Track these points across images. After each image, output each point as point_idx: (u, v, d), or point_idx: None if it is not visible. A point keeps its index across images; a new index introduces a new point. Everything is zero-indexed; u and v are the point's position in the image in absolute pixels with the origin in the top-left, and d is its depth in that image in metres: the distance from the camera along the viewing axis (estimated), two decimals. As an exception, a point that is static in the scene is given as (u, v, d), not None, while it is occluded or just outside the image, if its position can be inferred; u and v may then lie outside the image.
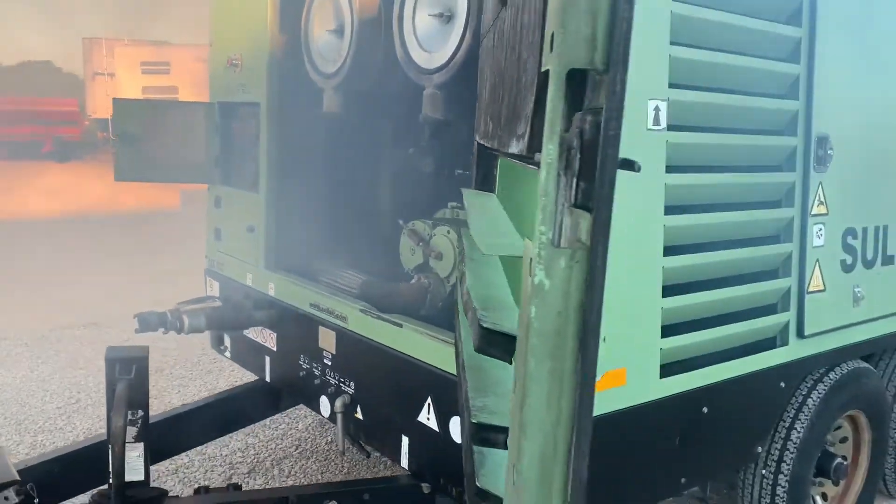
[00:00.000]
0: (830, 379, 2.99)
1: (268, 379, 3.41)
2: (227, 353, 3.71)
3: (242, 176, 3.47)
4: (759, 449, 2.84)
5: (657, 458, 2.43)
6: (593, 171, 0.87)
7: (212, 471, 3.70)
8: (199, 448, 3.66)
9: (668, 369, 2.33)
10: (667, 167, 2.23)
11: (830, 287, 2.83)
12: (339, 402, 2.89)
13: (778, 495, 2.89)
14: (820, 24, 2.63)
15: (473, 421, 1.29)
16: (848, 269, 2.92)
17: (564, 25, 0.90)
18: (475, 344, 1.25)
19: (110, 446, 2.15)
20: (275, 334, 3.31)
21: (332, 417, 2.92)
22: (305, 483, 3.50)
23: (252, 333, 3.44)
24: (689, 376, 2.39)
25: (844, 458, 3.29)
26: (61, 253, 9.13)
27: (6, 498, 2.15)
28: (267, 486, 3.43)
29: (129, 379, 2.19)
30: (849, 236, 2.91)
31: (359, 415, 2.88)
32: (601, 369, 2.13)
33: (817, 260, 2.76)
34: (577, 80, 0.94)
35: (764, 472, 2.91)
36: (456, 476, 2.43)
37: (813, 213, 2.73)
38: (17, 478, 2.23)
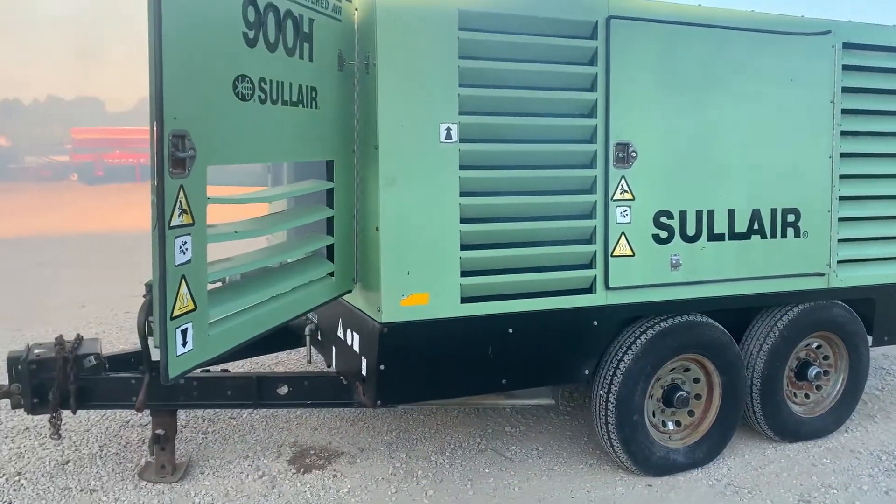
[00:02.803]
0: (660, 326, 3.96)
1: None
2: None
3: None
4: (587, 371, 3.90)
5: (476, 361, 3.62)
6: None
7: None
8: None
9: (468, 299, 3.53)
10: (461, 166, 3.46)
11: (640, 253, 3.84)
12: (308, 328, 4.37)
13: (609, 411, 3.91)
14: (613, 63, 3.70)
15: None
16: (663, 241, 3.89)
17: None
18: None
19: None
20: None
21: (305, 340, 4.43)
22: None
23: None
24: (489, 305, 3.57)
25: (698, 395, 4.20)
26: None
27: (89, 359, 3.84)
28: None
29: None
30: (662, 217, 3.89)
31: (318, 336, 4.35)
32: (408, 291, 3.42)
33: (623, 233, 3.80)
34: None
35: (601, 392, 3.95)
36: (352, 373, 3.78)
37: (616, 198, 3.77)
38: (99, 350, 3.93)
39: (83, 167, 27.69)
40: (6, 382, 3.88)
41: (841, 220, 4.35)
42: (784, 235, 4.19)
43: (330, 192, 3.39)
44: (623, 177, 3.78)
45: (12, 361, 3.82)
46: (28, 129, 34.20)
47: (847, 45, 4.26)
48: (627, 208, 3.80)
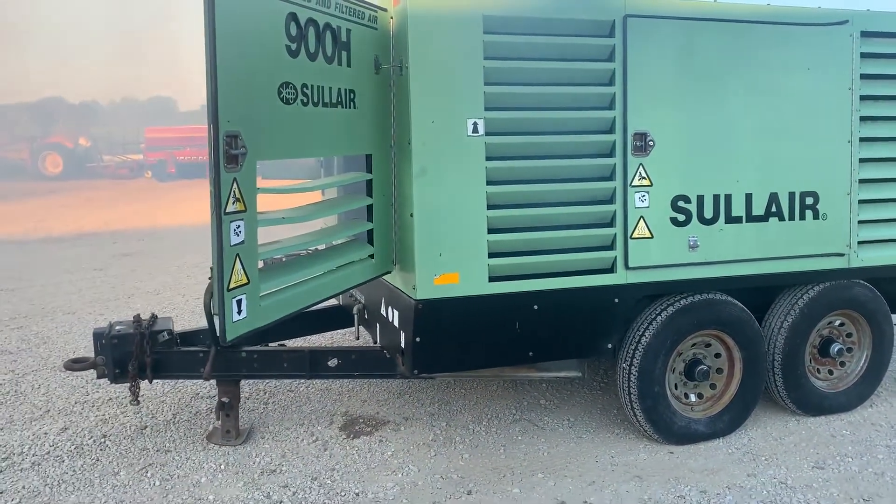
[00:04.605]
0: (680, 304, 4.23)
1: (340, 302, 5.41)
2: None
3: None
4: (610, 345, 4.20)
5: (503, 334, 3.96)
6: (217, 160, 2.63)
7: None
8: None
9: (496, 278, 3.88)
10: (487, 157, 3.80)
11: (659, 235, 4.12)
12: (356, 308, 4.80)
13: (632, 382, 4.21)
14: (631, 58, 3.98)
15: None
16: (680, 224, 4.16)
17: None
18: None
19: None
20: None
21: (354, 319, 4.85)
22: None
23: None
24: (515, 283, 3.91)
25: (719, 369, 4.45)
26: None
27: (162, 334, 4.35)
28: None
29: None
30: (680, 201, 4.15)
31: (365, 315, 4.76)
32: (440, 270, 3.79)
33: (641, 216, 4.08)
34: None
35: (624, 365, 4.25)
36: (394, 347, 4.17)
37: (634, 184, 4.06)
38: (171, 327, 4.44)
39: (157, 165, 29.01)
40: (92, 356, 4.42)
41: (861, 202, 4.51)
42: (802, 217, 4.39)
43: (369, 182, 3.79)
44: (641, 164, 4.06)
45: (97, 337, 4.35)
46: (106, 129, 35.93)
47: (865, 34, 4.42)
48: (646, 194, 4.08)
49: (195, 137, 28.73)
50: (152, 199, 22.55)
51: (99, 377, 4.41)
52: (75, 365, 4.44)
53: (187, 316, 7.64)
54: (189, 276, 9.97)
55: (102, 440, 4.52)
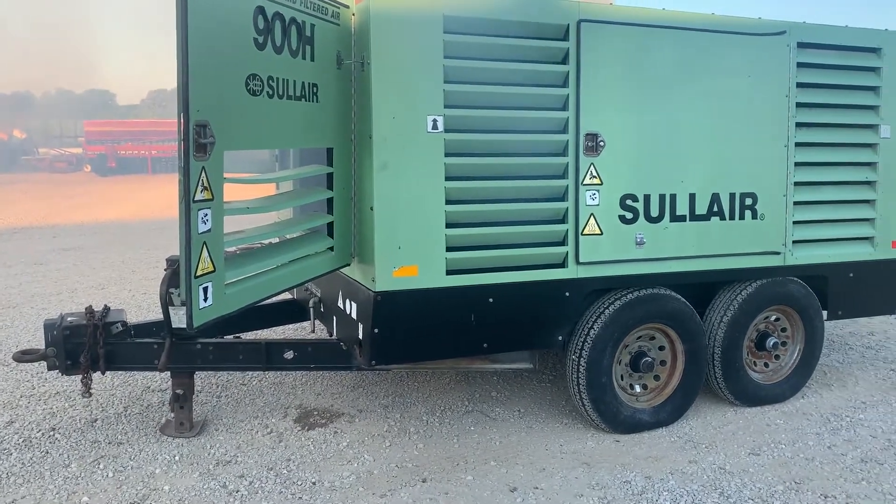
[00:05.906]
0: (627, 298, 4.41)
1: (295, 296, 5.45)
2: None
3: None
4: (560, 338, 4.36)
5: (459, 326, 4.07)
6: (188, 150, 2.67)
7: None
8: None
9: (453, 271, 3.99)
10: (446, 153, 3.91)
11: (608, 232, 4.29)
12: (311, 301, 4.84)
13: (581, 373, 4.37)
14: (584, 61, 4.14)
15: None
16: (628, 221, 4.34)
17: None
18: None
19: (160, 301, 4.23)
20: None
21: (310, 313, 4.89)
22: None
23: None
24: (471, 276, 4.02)
25: (663, 361, 4.65)
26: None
27: (116, 326, 4.33)
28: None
29: (173, 267, 4.26)
30: (628, 199, 4.33)
31: (321, 308, 4.82)
32: (399, 263, 3.87)
33: (592, 214, 4.24)
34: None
35: (573, 356, 4.40)
36: (351, 339, 4.24)
37: (585, 183, 4.22)
38: (125, 318, 4.43)
39: (96, 159, 28.32)
40: (42, 347, 4.37)
41: (796, 203, 4.78)
42: (742, 217, 4.62)
43: (330, 175, 3.85)
44: (592, 164, 4.22)
45: (48, 328, 4.31)
46: (41, 121, 34.90)
47: (801, 45, 4.68)
48: (596, 192, 4.25)
49: (137, 132, 28.15)
50: (92, 193, 22.00)
51: (49, 369, 4.35)
52: (25, 356, 4.38)
53: (134, 311, 7.54)
54: (134, 270, 9.82)
55: (51, 433, 4.47)
